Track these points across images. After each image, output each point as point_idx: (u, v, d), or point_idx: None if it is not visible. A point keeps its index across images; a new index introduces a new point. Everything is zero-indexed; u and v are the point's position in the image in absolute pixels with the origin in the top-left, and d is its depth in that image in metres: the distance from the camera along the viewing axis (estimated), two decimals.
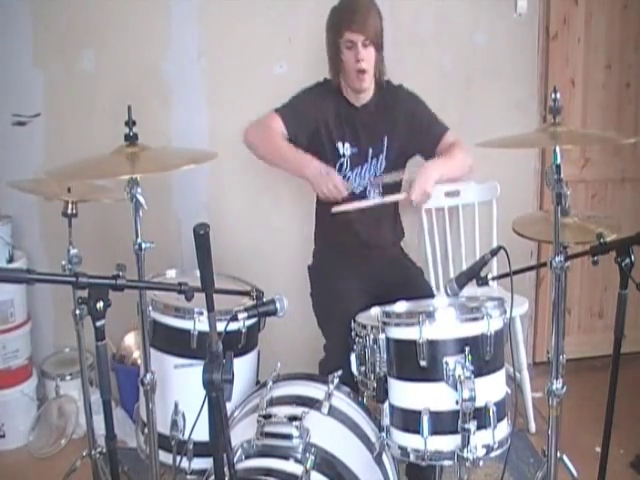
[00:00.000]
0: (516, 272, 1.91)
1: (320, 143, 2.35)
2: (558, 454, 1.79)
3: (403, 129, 2.37)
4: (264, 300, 1.79)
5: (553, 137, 1.67)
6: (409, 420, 1.68)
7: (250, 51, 2.94)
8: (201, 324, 1.89)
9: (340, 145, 2.35)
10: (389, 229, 2.46)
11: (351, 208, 2.20)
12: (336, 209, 2.19)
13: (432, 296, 2.21)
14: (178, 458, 1.88)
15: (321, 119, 2.35)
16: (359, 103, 2.37)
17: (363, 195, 2.37)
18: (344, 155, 2.36)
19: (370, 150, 2.36)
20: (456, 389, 1.59)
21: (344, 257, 2.38)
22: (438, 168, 2.23)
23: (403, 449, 1.70)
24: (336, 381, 1.86)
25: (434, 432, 1.63)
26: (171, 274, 2.16)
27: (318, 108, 2.35)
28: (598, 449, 1.90)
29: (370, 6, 2.27)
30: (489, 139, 1.80)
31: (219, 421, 1.28)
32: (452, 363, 1.62)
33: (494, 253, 1.95)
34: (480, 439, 1.61)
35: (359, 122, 2.36)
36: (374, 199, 2.30)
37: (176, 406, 1.90)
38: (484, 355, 1.65)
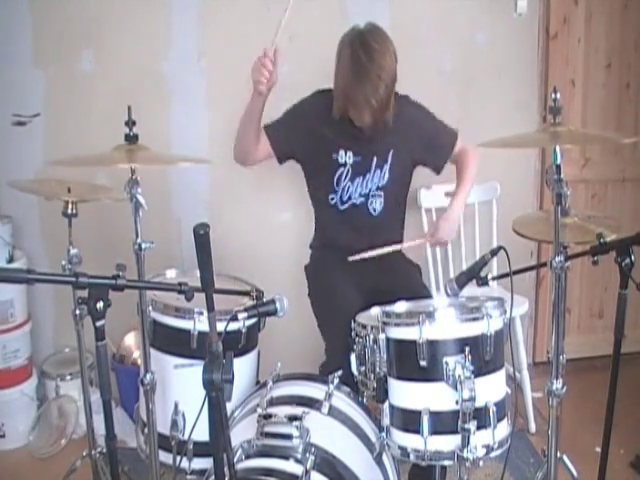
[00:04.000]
0: (516, 272, 1.91)
1: (314, 154, 2.34)
2: (558, 454, 1.79)
3: (411, 143, 2.34)
4: (264, 300, 1.79)
5: (553, 137, 1.66)
6: (409, 420, 1.68)
7: (250, 51, 2.94)
8: (201, 324, 1.89)
9: (342, 153, 2.31)
10: (390, 241, 2.43)
11: (367, 256, 2.24)
12: (352, 258, 2.24)
13: (429, 296, 2.21)
14: (178, 458, 1.88)
15: (315, 129, 2.31)
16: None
17: (364, 206, 2.35)
18: (345, 164, 2.31)
19: (374, 159, 2.32)
20: (456, 389, 1.58)
21: (341, 258, 2.37)
22: (460, 209, 2.34)
23: (403, 449, 1.70)
24: (336, 381, 1.86)
25: (434, 432, 1.63)
26: (171, 274, 2.15)
27: (312, 118, 2.32)
28: (598, 449, 1.90)
29: (383, 75, 2.10)
30: (489, 139, 1.80)
31: (219, 421, 1.28)
32: (452, 363, 1.62)
33: (494, 253, 1.95)
34: (480, 439, 1.61)
35: (362, 136, 2.29)
36: (392, 246, 2.29)
37: (176, 406, 1.90)
38: (484, 355, 1.66)
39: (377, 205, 2.36)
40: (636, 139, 1.54)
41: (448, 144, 2.42)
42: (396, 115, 2.30)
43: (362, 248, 2.34)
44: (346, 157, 2.32)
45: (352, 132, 2.28)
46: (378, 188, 2.35)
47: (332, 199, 2.37)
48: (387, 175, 2.34)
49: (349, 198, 2.35)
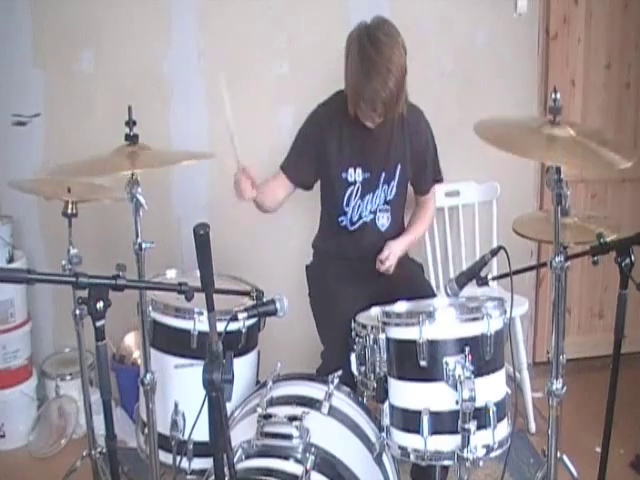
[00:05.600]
0: (516, 272, 1.90)
1: (325, 174, 2.33)
2: (558, 454, 1.79)
3: (413, 159, 2.33)
4: (264, 300, 1.79)
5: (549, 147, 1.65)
6: (409, 420, 1.68)
7: (250, 51, 2.94)
8: (201, 324, 1.89)
9: (351, 171, 2.28)
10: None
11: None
12: None
13: (433, 295, 2.20)
14: (178, 458, 1.88)
15: (324, 148, 2.28)
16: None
17: (373, 222, 2.34)
18: (355, 182, 2.29)
19: (383, 175, 2.30)
20: (456, 389, 1.59)
21: (343, 260, 2.37)
22: (402, 247, 2.34)
23: (403, 449, 1.70)
24: (336, 381, 1.85)
25: (434, 432, 1.63)
26: (171, 274, 2.15)
27: (319, 137, 2.28)
28: (598, 449, 1.90)
29: (392, 69, 2.06)
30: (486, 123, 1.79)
31: (219, 421, 1.28)
32: (452, 363, 1.62)
33: (494, 253, 1.95)
34: (480, 439, 1.61)
35: (372, 142, 2.26)
36: None
37: (176, 406, 1.90)
38: (484, 355, 1.66)
39: (384, 220, 2.35)
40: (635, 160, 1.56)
41: (431, 180, 2.45)
42: (409, 128, 2.29)
43: (362, 255, 2.34)
44: (355, 175, 2.29)
45: (360, 142, 2.26)
46: (385, 202, 2.33)
47: (342, 221, 2.35)
48: (394, 190, 2.33)
49: (360, 217, 2.33)
